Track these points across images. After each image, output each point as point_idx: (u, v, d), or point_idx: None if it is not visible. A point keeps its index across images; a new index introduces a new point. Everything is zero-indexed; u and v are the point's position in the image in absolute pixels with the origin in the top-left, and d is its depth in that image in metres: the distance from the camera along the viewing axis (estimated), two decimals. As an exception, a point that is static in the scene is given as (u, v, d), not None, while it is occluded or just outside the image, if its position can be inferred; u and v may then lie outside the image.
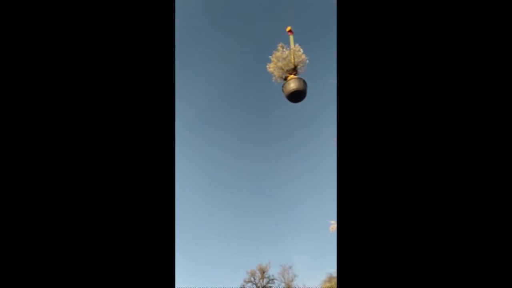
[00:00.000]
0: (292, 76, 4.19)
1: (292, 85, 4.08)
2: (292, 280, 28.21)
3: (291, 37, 4.36)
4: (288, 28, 4.39)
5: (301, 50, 4.31)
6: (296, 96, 4.17)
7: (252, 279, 29.09)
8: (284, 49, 4.35)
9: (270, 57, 4.42)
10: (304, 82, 4.16)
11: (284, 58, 4.26)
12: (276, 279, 28.85)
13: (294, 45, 4.34)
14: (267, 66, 4.42)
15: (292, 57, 4.22)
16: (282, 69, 4.29)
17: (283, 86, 4.23)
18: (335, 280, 24.42)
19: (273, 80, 4.36)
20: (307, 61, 4.36)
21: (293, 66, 4.22)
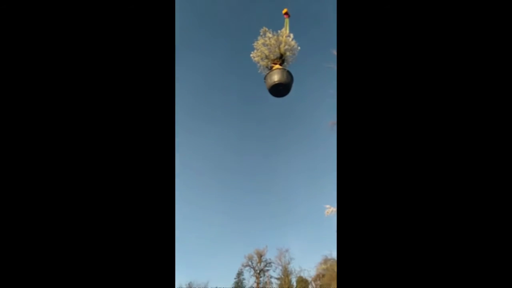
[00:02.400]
0: (277, 66, 3.65)
1: (275, 77, 3.52)
2: (288, 263, 29.08)
3: (287, 21, 3.71)
4: (285, 10, 3.72)
5: (292, 35, 3.77)
6: (278, 89, 3.55)
7: (250, 263, 29.89)
8: (269, 34, 3.79)
9: (253, 44, 3.79)
10: (289, 73, 3.54)
11: (270, 45, 3.72)
12: (273, 263, 29.70)
13: (288, 30, 3.67)
14: (251, 56, 3.78)
15: (283, 43, 3.65)
16: (267, 57, 3.76)
17: (265, 77, 3.70)
18: (330, 262, 25.13)
19: (259, 71, 3.84)
20: (299, 48, 3.80)
21: (279, 54, 3.69)
